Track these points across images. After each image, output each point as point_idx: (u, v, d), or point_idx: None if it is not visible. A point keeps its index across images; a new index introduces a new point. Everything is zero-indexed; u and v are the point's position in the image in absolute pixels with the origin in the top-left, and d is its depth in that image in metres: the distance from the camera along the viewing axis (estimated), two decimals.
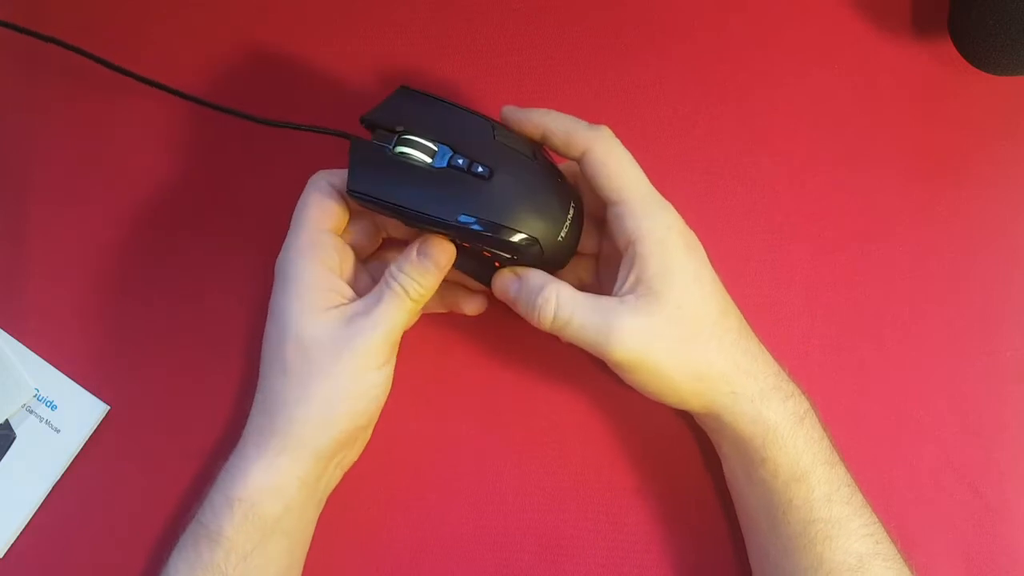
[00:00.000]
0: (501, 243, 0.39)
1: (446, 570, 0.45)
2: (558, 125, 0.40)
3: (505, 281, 0.41)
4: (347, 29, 0.50)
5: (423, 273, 0.40)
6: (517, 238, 0.39)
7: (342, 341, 0.39)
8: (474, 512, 0.46)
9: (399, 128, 0.40)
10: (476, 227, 0.38)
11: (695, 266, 0.40)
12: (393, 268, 0.40)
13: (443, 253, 0.41)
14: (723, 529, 0.45)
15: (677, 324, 0.39)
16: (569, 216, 0.40)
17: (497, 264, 0.42)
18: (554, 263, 0.41)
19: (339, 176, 0.42)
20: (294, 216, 0.42)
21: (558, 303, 0.39)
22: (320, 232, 0.41)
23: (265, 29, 0.50)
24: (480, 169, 0.39)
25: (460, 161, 0.39)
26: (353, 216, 0.43)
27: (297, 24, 0.50)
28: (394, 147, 0.39)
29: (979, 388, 0.47)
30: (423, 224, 0.39)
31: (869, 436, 0.46)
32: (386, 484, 0.45)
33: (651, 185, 0.41)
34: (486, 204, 0.39)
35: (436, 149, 0.39)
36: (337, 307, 0.40)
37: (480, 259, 0.42)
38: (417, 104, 0.40)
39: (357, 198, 0.40)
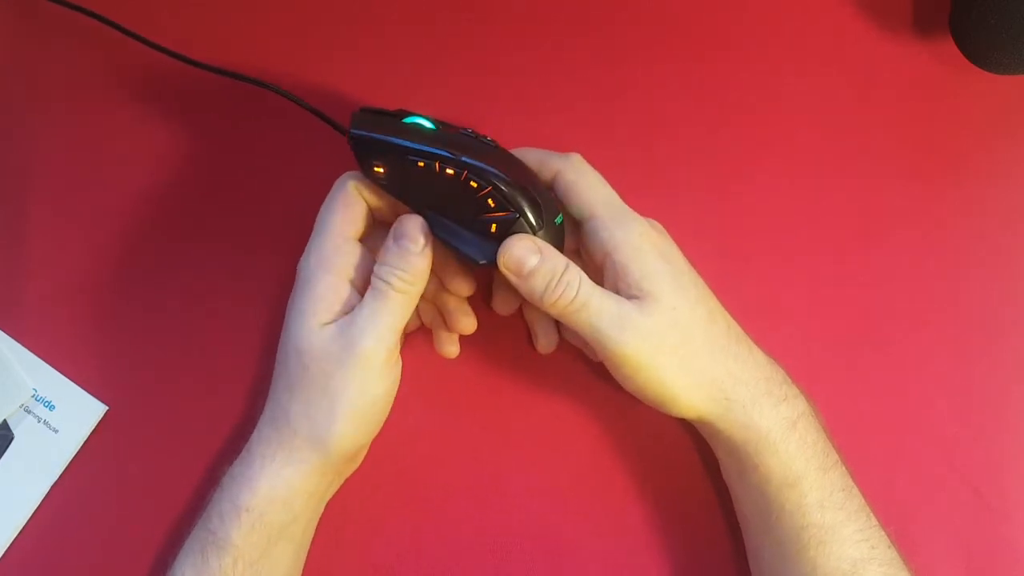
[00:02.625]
0: (506, 192, 0.38)
1: (446, 570, 0.45)
2: (531, 155, 0.42)
3: (525, 249, 0.38)
4: (349, 29, 0.50)
5: (403, 257, 0.39)
6: (522, 195, 0.38)
7: (339, 355, 0.38)
8: (474, 512, 0.45)
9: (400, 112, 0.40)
10: (488, 167, 0.38)
11: (674, 272, 0.40)
12: (375, 266, 0.39)
13: (416, 226, 0.39)
14: (723, 530, 0.45)
15: (675, 328, 0.39)
16: (561, 214, 0.40)
17: (494, 229, 0.39)
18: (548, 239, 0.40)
19: (364, 179, 0.41)
20: (319, 219, 0.41)
21: (580, 284, 0.39)
22: (341, 240, 0.40)
23: (267, 29, 0.50)
24: (488, 140, 0.39)
25: (468, 131, 0.39)
26: (375, 224, 0.43)
27: (299, 23, 0.50)
28: (397, 118, 0.40)
29: (980, 388, 0.47)
30: (426, 159, 0.38)
31: (870, 436, 0.46)
32: (386, 484, 0.45)
33: (621, 200, 0.41)
34: (494, 161, 0.39)
35: (439, 126, 0.40)
36: (338, 319, 0.39)
37: (469, 232, 0.40)
38: (414, 114, 0.41)
39: (359, 143, 0.39)
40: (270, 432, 0.40)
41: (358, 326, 0.38)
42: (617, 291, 0.40)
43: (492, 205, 0.39)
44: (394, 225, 0.40)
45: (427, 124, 0.40)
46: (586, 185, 0.41)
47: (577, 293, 0.38)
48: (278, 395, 0.40)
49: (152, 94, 0.50)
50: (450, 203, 0.39)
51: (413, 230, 0.39)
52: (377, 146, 0.39)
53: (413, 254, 0.39)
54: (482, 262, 0.39)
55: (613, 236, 0.40)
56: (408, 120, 0.40)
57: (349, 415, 0.39)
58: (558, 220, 0.40)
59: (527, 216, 0.39)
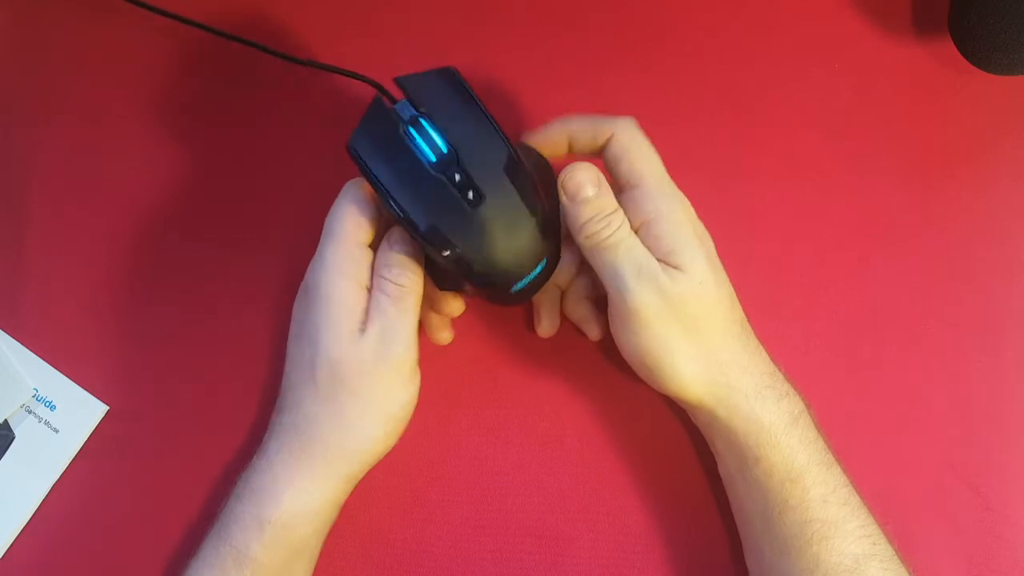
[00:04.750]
0: (455, 267, 0.39)
1: (446, 570, 0.45)
2: (580, 124, 0.42)
3: (587, 179, 0.40)
4: (347, 29, 0.50)
5: (404, 259, 0.40)
6: (472, 273, 0.39)
7: (374, 363, 0.39)
8: (474, 512, 0.45)
9: (423, 109, 0.39)
10: (439, 245, 0.38)
11: (708, 251, 0.41)
12: (380, 270, 0.40)
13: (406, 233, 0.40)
14: (723, 530, 0.45)
15: (695, 300, 0.39)
16: (535, 272, 0.40)
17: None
18: (500, 302, 0.41)
19: None
20: (328, 226, 0.41)
21: (621, 226, 0.39)
22: (355, 246, 0.40)
23: (266, 28, 0.50)
24: (471, 194, 0.38)
25: (457, 176, 0.38)
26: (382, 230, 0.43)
27: (296, 22, 0.50)
28: (407, 126, 0.39)
29: (980, 388, 0.47)
30: (393, 212, 0.38)
31: (870, 436, 0.46)
32: (386, 484, 0.45)
33: (668, 175, 0.42)
34: (460, 227, 0.38)
35: (444, 151, 0.38)
36: (364, 327, 0.39)
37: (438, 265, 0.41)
38: (453, 93, 0.40)
39: (352, 156, 0.39)
40: (294, 443, 0.40)
41: (390, 334, 0.39)
42: None
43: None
44: (388, 235, 0.40)
45: (428, 153, 0.38)
46: (637, 152, 0.41)
47: (613, 232, 0.39)
48: (303, 406, 0.40)
49: (152, 94, 0.50)
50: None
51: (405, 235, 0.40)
52: (362, 171, 0.39)
53: (411, 256, 0.39)
54: (441, 288, 0.41)
55: (657, 208, 0.40)
56: (413, 133, 0.39)
57: (384, 421, 0.40)
58: (515, 288, 0.40)
59: (471, 283, 0.39)
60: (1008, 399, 0.47)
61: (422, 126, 0.39)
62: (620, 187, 0.41)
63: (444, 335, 0.45)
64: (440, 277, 0.41)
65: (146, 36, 0.50)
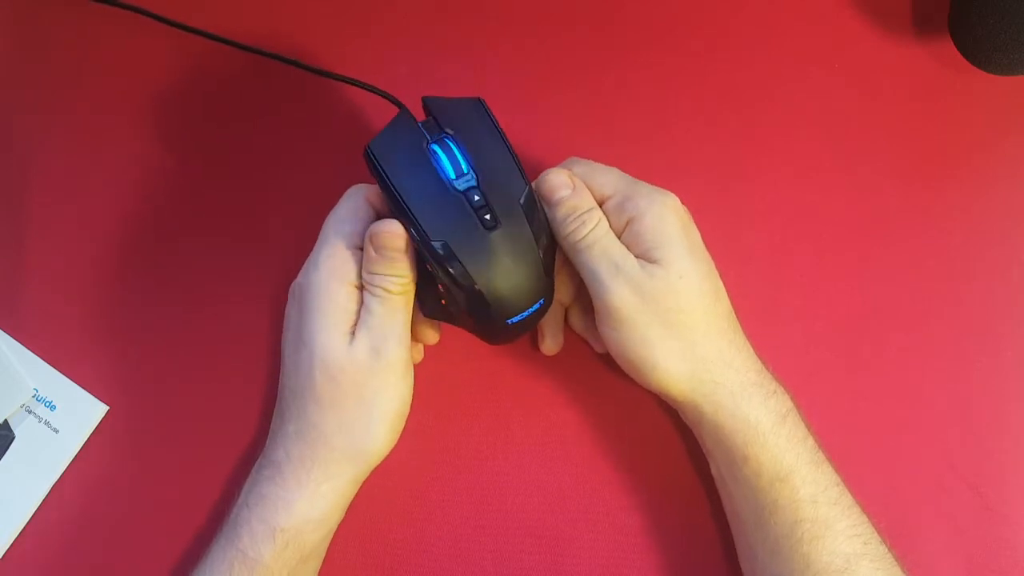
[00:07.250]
0: (456, 288, 0.38)
1: (446, 570, 0.45)
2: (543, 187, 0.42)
3: (560, 182, 0.41)
4: (346, 28, 0.50)
5: (390, 264, 0.39)
6: (473, 296, 0.38)
7: (369, 365, 0.39)
8: (474, 512, 0.45)
9: (448, 130, 0.39)
10: (447, 262, 0.38)
11: (692, 244, 0.41)
12: (367, 275, 0.40)
13: (393, 236, 0.39)
14: (723, 531, 0.45)
15: (674, 295, 0.39)
16: (532, 309, 0.40)
17: (444, 302, 0.41)
18: (488, 335, 0.42)
19: (375, 192, 0.41)
20: (327, 228, 0.41)
21: (596, 226, 0.40)
22: (354, 250, 0.40)
23: (265, 27, 0.50)
24: (488, 217, 0.38)
25: (476, 197, 0.38)
26: None
27: (290, 28, 0.51)
28: (432, 143, 0.39)
29: (980, 388, 0.47)
30: (404, 221, 0.38)
31: (870, 436, 0.46)
32: (386, 484, 0.45)
33: (636, 179, 0.42)
34: (471, 247, 0.38)
35: (465, 172, 0.39)
36: (357, 329, 0.39)
37: (431, 288, 0.41)
38: (478, 122, 0.40)
39: (368, 161, 0.39)
40: (301, 450, 0.40)
41: (379, 333, 0.39)
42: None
43: (441, 290, 0.40)
44: (369, 234, 0.39)
45: (449, 171, 0.38)
46: (599, 171, 0.42)
47: (589, 232, 0.40)
48: (306, 413, 0.40)
49: (151, 95, 0.50)
50: (422, 259, 0.39)
51: (391, 240, 0.39)
52: (378, 176, 0.39)
53: (398, 261, 0.39)
54: (425, 313, 0.41)
55: (636, 206, 0.40)
56: (436, 149, 0.39)
57: (385, 421, 0.40)
58: (510, 321, 0.40)
59: (469, 310, 0.39)
60: (1008, 399, 0.47)
61: (447, 145, 0.39)
62: (600, 203, 0.42)
63: (414, 356, 0.45)
64: (425, 300, 0.41)
65: (146, 37, 0.50)
